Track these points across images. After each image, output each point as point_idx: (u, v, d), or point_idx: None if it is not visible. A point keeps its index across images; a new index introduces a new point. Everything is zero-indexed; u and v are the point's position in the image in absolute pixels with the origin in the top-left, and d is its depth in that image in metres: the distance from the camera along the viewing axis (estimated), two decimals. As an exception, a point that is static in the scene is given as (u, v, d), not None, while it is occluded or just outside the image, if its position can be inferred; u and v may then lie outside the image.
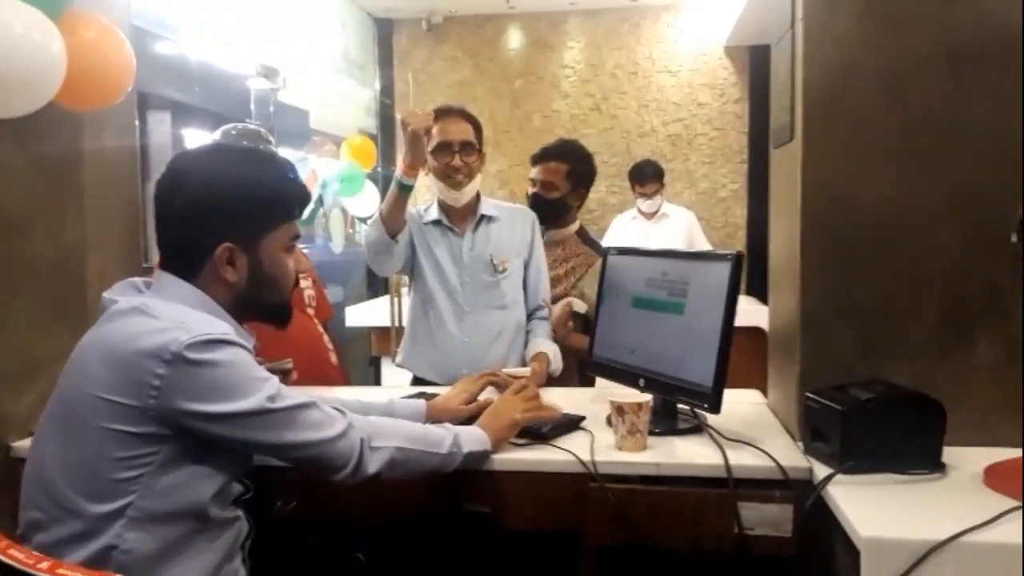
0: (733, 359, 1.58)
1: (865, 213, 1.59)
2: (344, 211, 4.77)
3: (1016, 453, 1.37)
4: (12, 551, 1.03)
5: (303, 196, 1.41)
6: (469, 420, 1.61)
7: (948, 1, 1.55)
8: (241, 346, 1.24)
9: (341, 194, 4.52)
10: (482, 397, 1.77)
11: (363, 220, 5.16)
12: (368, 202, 4.63)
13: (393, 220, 2.09)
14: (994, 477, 1.33)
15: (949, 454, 1.42)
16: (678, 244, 4.45)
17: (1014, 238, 1.47)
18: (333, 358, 2.34)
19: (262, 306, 1.38)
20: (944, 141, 1.56)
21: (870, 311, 1.60)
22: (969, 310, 1.55)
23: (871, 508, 1.25)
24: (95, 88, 1.81)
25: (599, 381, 1.91)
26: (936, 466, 1.40)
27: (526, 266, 2.30)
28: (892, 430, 1.40)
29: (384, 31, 6.18)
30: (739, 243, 5.83)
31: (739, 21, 5.09)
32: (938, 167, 1.57)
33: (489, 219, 2.27)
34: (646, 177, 4.62)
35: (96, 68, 1.78)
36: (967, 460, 1.42)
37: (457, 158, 2.17)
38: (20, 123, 1.63)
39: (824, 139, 1.61)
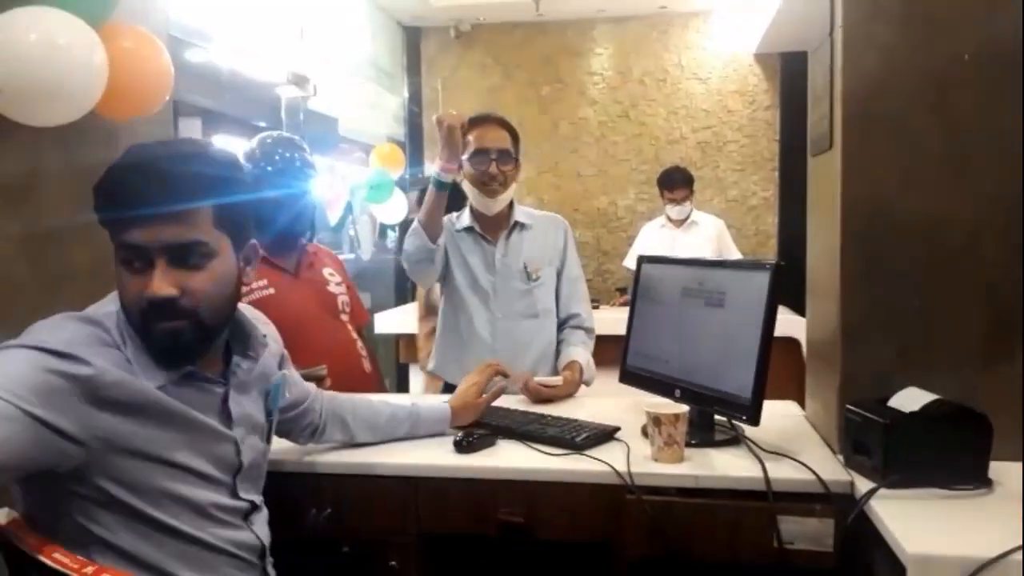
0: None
1: (907, 222, 1.57)
2: (372, 218, 4.80)
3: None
4: (57, 555, 1.05)
5: (122, 197, 1.13)
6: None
7: (990, 6, 1.52)
8: (42, 350, 1.07)
9: (369, 201, 4.55)
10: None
11: (391, 227, 5.20)
12: (396, 209, 4.66)
13: (433, 223, 2.10)
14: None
15: (995, 469, 1.39)
16: (707, 252, 4.42)
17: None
18: (366, 365, 2.32)
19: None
20: (988, 149, 1.53)
21: (912, 322, 1.57)
22: (1015, 321, 1.52)
23: (916, 524, 1.23)
24: (135, 98, 1.83)
25: (630, 390, 1.89)
26: (982, 481, 1.37)
27: (559, 275, 2.29)
28: (937, 444, 1.38)
29: (413, 39, 6.22)
30: (770, 251, 5.78)
31: (769, 28, 5.05)
32: (982, 175, 1.54)
33: (522, 227, 2.27)
34: (675, 183, 4.60)
35: (136, 78, 1.80)
36: (1014, 475, 1.39)
37: (494, 166, 2.17)
38: (60, 132, 1.65)
39: (865, 148, 1.59)
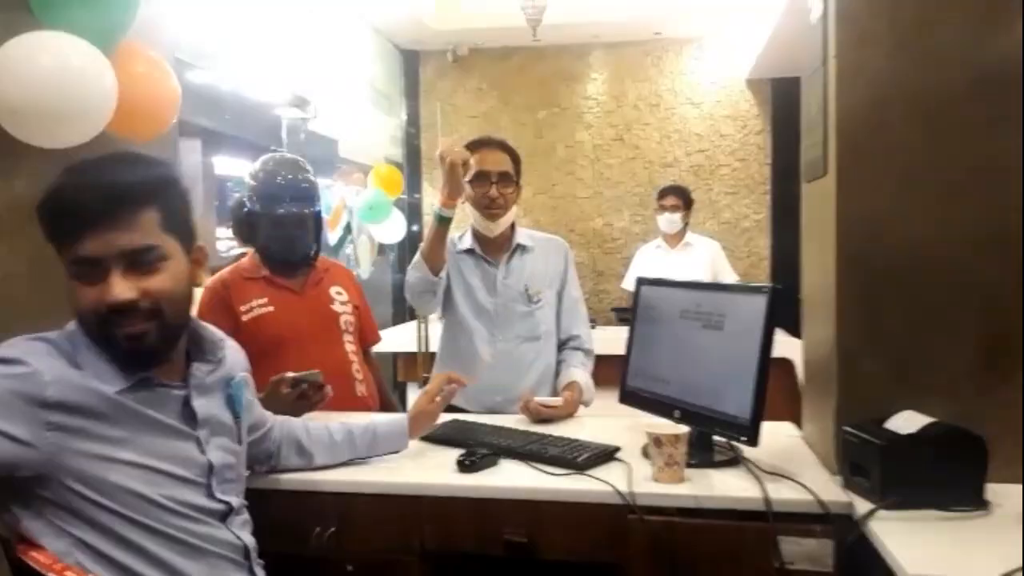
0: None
1: (902, 247, 1.60)
2: (371, 238, 4.83)
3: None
4: (69, 573, 1.06)
5: (69, 212, 1.17)
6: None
7: (980, 34, 1.56)
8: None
9: (367, 220, 4.58)
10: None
11: (390, 247, 5.22)
12: (394, 229, 4.69)
13: (435, 257, 2.12)
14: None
15: (992, 491, 1.41)
16: (703, 274, 4.44)
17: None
18: (360, 389, 2.28)
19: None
20: (979, 175, 1.57)
21: (908, 345, 1.60)
22: (1009, 345, 1.55)
23: (915, 545, 1.25)
24: (143, 120, 1.86)
25: (630, 410, 1.91)
26: (979, 503, 1.39)
27: (559, 297, 2.32)
28: (933, 466, 1.40)
29: (411, 62, 6.28)
30: (763, 273, 5.83)
31: (761, 54, 5.13)
32: (974, 201, 1.57)
33: (524, 249, 2.30)
34: (666, 192, 4.65)
35: (144, 100, 1.83)
36: (1009, 497, 1.41)
37: (494, 189, 2.21)
38: (72, 153, 1.67)
39: (859, 174, 1.62)
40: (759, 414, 1.57)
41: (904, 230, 1.60)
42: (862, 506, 1.41)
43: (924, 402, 1.53)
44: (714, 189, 5.96)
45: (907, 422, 1.46)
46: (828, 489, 1.49)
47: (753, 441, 1.56)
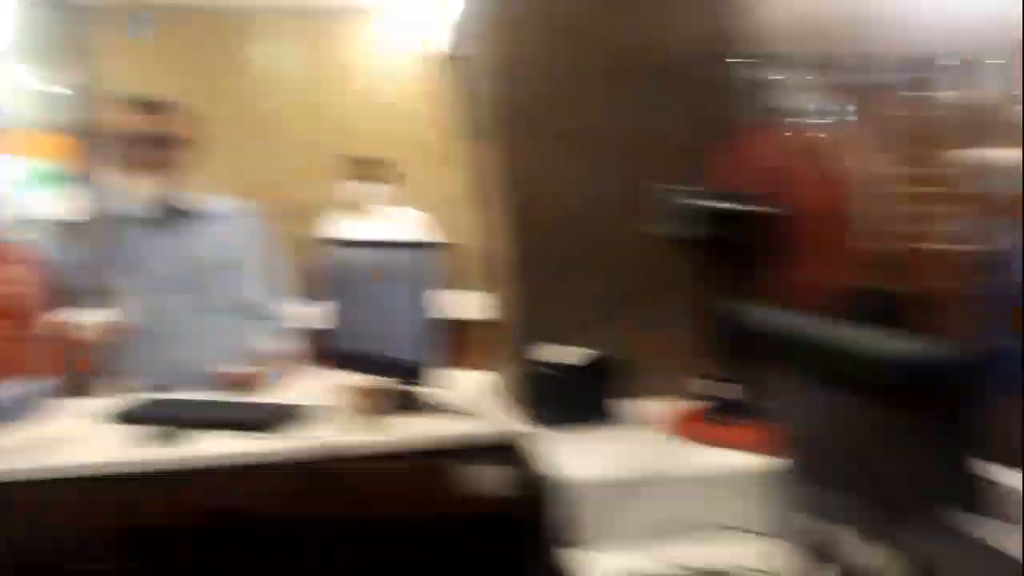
0: (460, 344, 1.76)
1: (555, 207, 1.82)
2: (32, 212, 4.31)
3: (686, 403, 1.66)
4: None
5: None
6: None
7: (617, 22, 1.82)
8: None
9: (27, 193, 4.09)
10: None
11: (56, 222, 4.69)
12: (58, 201, 4.24)
13: (95, 223, 1.99)
14: (672, 424, 1.63)
15: (635, 405, 1.70)
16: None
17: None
18: (13, 373, 2.07)
19: None
20: (610, 146, 1.83)
21: (569, 291, 1.83)
22: (647, 286, 1.83)
23: (579, 456, 1.48)
24: None
25: (332, 373, 1.97)
26: (625, 417, 1.68)
27: (252, 266, 2.28)
28: (589, 388, 1.67)
29: (77, 20, 5.61)
30: (463, 239, 6.11)
31: (448, 27, 5.35)
32: (611, 165, 1.82)
33: (204, 216, 2.21)
34: (359, 162, 4.76)
35: None
36: (642, 410, 1.70)
37: (161, 151, 2.12)
38: None
39: (518, 142, 1.83)
40: (439, 361, 1.76)
41: (559, 192, 1.82)
42: (537, 432, 1.62)
43: (584, 339, 1.76)
44: (410, 161, 6.11)
45: (565, 355, 1.71)
46: (508, 422, 1.69)
47: (436, 385, 1.74)
